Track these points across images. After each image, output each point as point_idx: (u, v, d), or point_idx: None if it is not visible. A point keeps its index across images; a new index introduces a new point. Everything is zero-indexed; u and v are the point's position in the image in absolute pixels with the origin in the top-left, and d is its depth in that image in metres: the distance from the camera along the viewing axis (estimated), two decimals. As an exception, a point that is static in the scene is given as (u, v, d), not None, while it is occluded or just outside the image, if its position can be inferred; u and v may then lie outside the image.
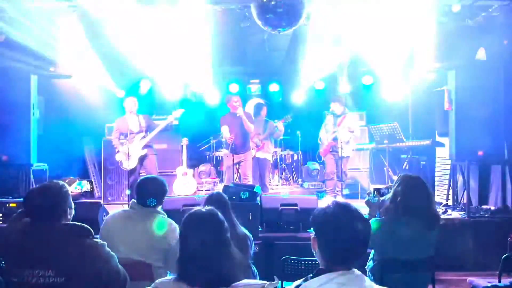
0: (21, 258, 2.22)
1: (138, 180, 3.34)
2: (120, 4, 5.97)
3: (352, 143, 7.36)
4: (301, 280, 1.85)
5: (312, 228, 1.90)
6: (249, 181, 6.95)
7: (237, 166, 7.19)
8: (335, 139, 7.18)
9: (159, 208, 3.24)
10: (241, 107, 6.89)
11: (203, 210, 2.06)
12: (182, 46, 6.88)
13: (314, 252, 1.88)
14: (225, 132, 6.90)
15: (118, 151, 6.72)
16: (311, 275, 1.82)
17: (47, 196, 2.39)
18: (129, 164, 6.52)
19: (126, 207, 3.45)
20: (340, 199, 7.03)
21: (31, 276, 2.20)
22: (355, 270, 1.80)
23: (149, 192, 3.16)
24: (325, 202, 2.61)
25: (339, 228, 1.79)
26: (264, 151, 7.66)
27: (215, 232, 1.97)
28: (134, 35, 6.52)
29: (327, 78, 8.73)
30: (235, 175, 7.21)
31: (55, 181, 2.54)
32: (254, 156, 7.45)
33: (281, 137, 8.70)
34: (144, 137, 6.65)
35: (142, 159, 6.62)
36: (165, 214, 3.22)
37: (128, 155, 6.44)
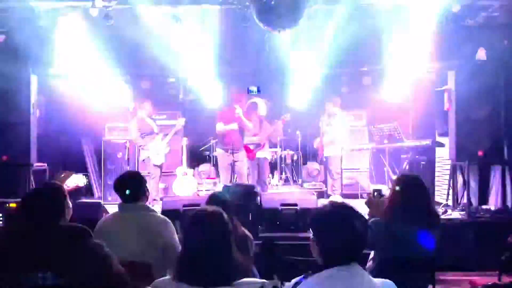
0: (20, 261, 2.21)
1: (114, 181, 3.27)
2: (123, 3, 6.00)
3: (340, 142, 7.46)
4: (301, 276, 1.85)
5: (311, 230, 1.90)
6: (245, 180, 6.94)
7: (232, 166, 7.16)
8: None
9: (151, 206, 3.21)
10: (240, 106, 6.92)
11: (209, 209, 2.00)
12: (182, 46, 6.89)
13: (313, 253, 1.89)
14: (219, 127, 7.00)
15: (143, 149, 7.19)
16: (310, 271, 1.83)
17: (43, 198, 2.38)
18: (158, 159, 7.16)
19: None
20: (338, 198, 7.02)
21: (30, 278, 2.18)
22: (355, 264, 1.80)
23: (123, 184, 3.11)
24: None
25: (336, 227, 1.81)
26: (264, 150, 7.67)
27: (220, 232, 1.92)
28: (137, 33, 6.54)
29: (327, 77, 8.70)
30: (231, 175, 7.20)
31: (51, 182, 2.54)
32: (255, 155, 7.44)
33: (279, 137, 8.67)
34: (164, 137, 7.32)
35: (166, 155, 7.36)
36: (157, 211, 3.19)
37: (157, 152, 7.13)
